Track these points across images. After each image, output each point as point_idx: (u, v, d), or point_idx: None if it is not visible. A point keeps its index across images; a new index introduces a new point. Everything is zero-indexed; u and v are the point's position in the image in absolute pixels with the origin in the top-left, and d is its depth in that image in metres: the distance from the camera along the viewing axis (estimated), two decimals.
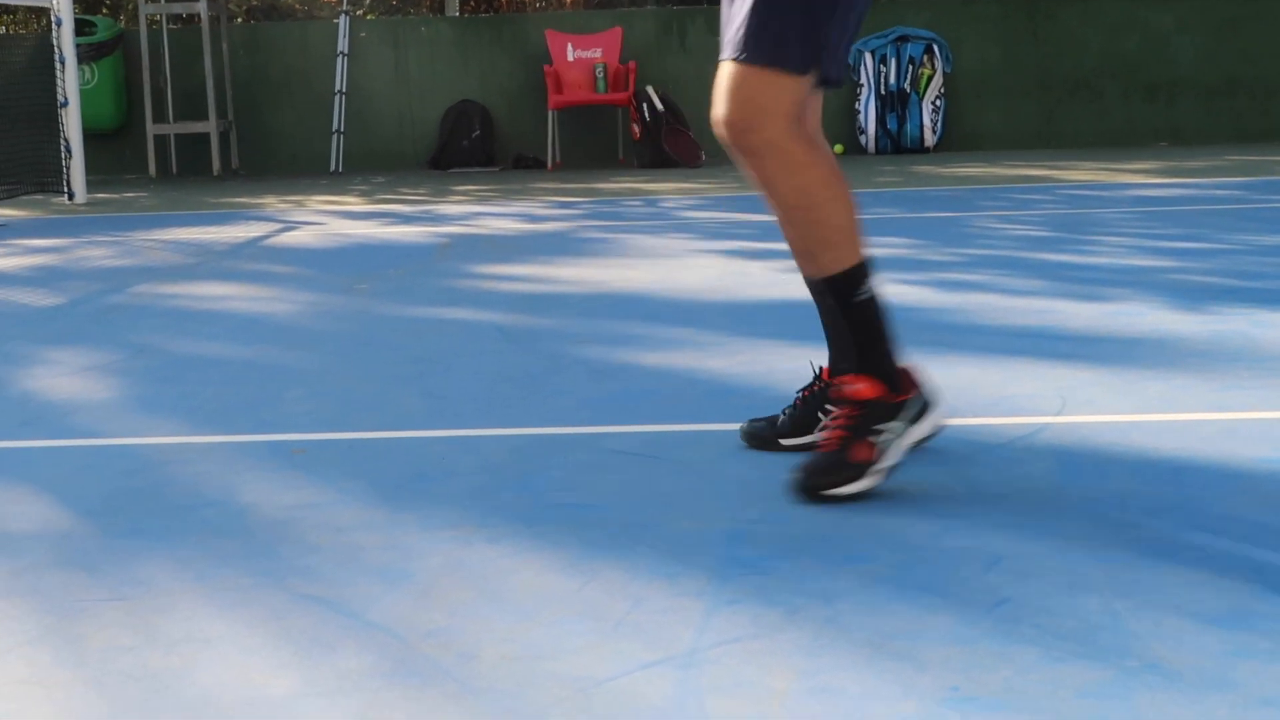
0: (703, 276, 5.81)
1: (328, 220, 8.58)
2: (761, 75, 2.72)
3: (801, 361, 4.03)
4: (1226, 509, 2.69)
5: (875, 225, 7.23)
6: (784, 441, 3.14)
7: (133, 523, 2.83)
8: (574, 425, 3.48)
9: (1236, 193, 8.37)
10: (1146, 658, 2.05)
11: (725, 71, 2.77)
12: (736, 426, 3.35)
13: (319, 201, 9.78)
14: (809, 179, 2.76)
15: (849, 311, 2.80)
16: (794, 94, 2.74)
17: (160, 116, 12.49)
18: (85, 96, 11.88)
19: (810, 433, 3.12)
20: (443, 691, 2.02)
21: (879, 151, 12.21)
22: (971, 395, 3.64)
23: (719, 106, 2.78)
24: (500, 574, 2.47)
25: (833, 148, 12.18)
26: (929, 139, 12.17)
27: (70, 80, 10.27)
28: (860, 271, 2.80)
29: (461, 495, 2.95)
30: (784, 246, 6.57)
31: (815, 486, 2.76)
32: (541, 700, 1.98)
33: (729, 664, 2.08)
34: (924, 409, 2.87)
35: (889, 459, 2.79)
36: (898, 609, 2.26)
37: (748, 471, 3.05)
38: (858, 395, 2.79)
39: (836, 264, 2.80)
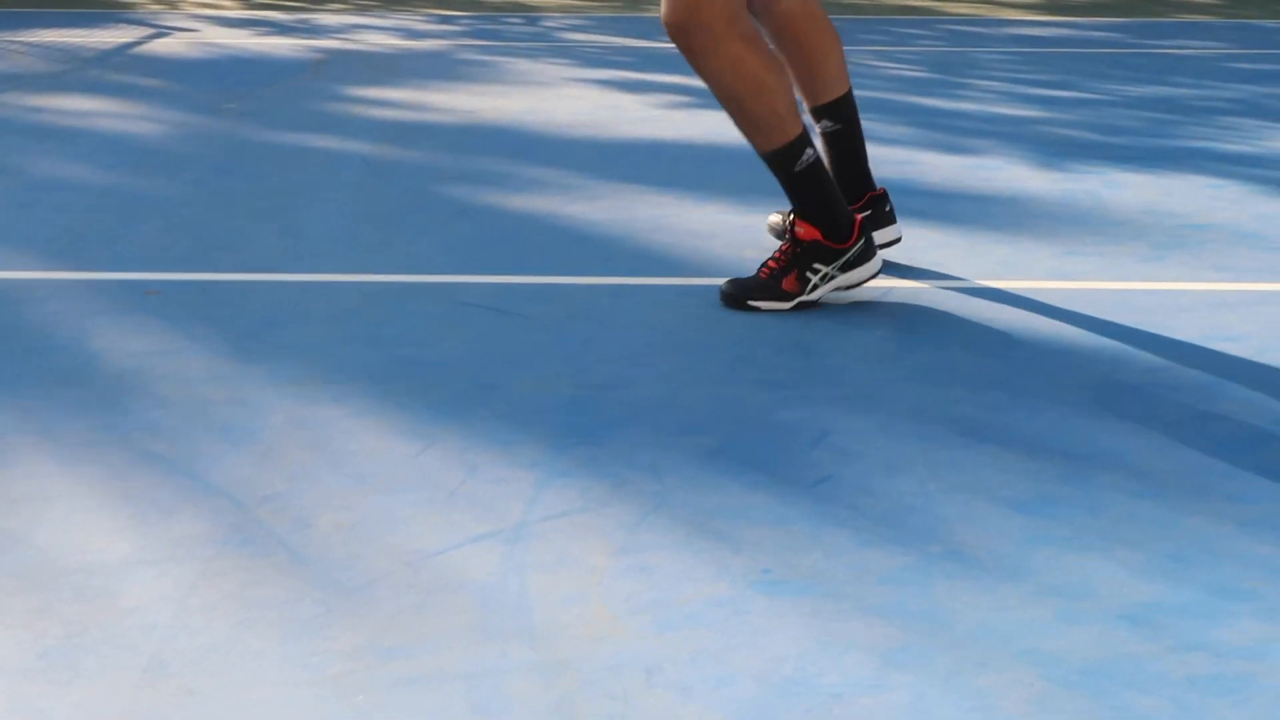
0: (575, 108, 5.80)
1: (201, 26, 8.42)
2: None
3: (664, 209, 4.08)
4: (1049, 386, 2.80)
5: None
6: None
7: None
8: (428, 273, 3.51)
9: (1113, 34, 8.45)
10: (950, 543, 2.16)
11: None
12: (584, 281, 3.41)
13: (192, 3, 9.57)
14: (745, 72, 3.08)
15: (792, 179, 3.17)
16: None
17: None
18: None
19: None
20: (274, 562, 2.09)
21: None
22: None
23: (664, 9, 3.09)
24: (342, 436, 2.53)
25: None
26: None
27: None
28: (799, 144, 3.15)
29: (311, 346, 2.99)
30: (660, 78, 6.56)
31: (741, 298, 3.23)
32: (369, 573, 2.05)
33: (554, 539, 2.16)
34: (860, 258, 3.22)
35: (814, 295, 3.22)
36: (722, 484, 2.35)
37: (594, 330, 3.11)
38: (798, 236, 3.20)
39: (772, 143, 3.15)
